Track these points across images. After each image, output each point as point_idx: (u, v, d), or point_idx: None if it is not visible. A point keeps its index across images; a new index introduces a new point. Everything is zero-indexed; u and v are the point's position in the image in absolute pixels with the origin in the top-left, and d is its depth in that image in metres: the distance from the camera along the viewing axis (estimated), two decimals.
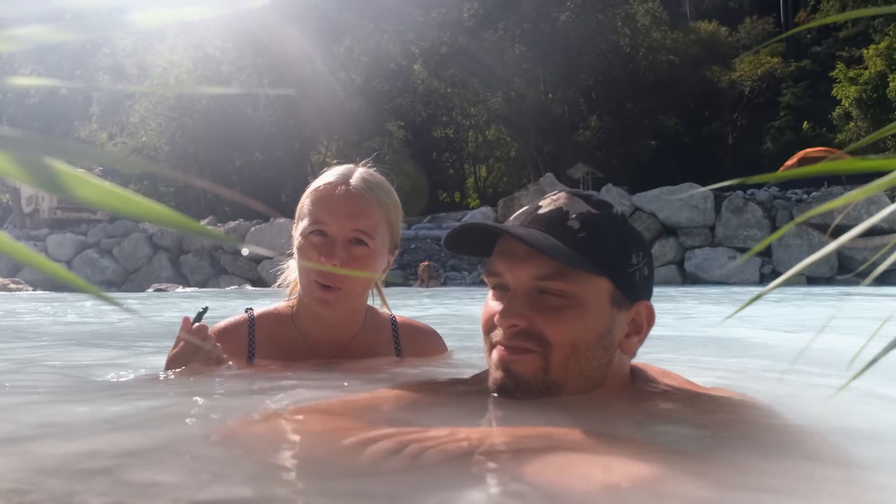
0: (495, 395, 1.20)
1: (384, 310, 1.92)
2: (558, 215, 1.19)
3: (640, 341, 1.25)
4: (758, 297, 0.64)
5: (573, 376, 1.17)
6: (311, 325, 1.76)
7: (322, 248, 1.64)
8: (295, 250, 1.72)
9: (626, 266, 1.20)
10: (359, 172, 1.75)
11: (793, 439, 1.07)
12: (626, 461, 0.83)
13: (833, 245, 0.60)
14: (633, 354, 1.26)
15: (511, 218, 1.26)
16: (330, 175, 1.72)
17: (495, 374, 1.20)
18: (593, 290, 1.17)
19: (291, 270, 1.87)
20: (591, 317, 1.17)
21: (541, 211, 1.21)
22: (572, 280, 1.16)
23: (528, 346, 1.16)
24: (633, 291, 1.21)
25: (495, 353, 1.20)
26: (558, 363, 1.16)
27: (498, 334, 1.19)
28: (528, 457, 0.86)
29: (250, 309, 1.81)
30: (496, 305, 1.21)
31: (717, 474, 0.84)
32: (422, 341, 1.92)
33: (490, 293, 1.25)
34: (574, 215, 1.19)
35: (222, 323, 1.78)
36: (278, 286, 1.92)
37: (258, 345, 1.74)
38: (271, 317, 1.79)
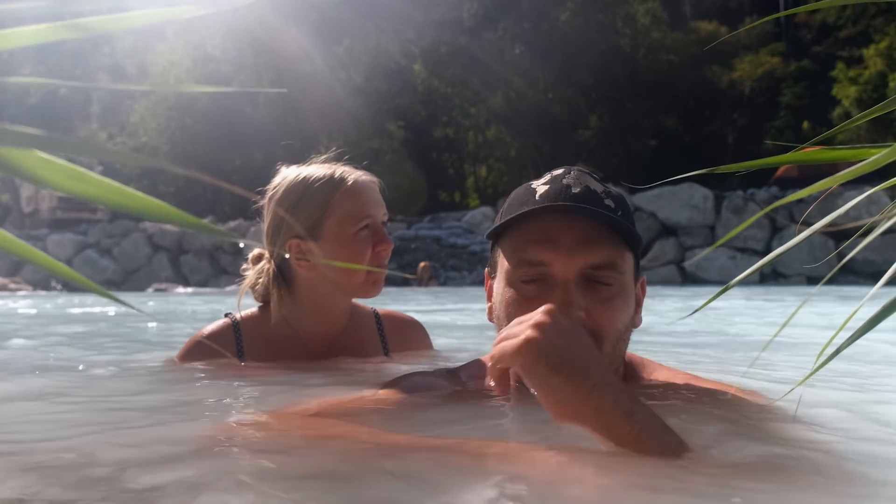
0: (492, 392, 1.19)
1: (363, 304, 1.95)
2: (592, 194, 1.14)
3: (641, 313, 1.26)
4: (722, 291, 0.64)
5: (615, 361, 1.17)
6: (310, 322, 1.77)
7: (375, 238, 1.72)
8: (338, 250, 1.69)
9: (640, 242, 1.20)
10: (338, 164, 1.79)
11: (788, 435, 1.07)
12: (619, 461, 0.83)
13: (791, 242, 0.60)
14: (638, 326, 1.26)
15: (537, 197, 1.16)
16: (339, 173, 1.74)
17: None
18: (629, 272, 1.17)
19: (271, 279, 1.82)
20: (630, 300, 1.17)
21: (574, 191, 1.15)
22: (620, 268, 1.14)
23: None
24: (639, 267, 1.23)
25: None
26: (607, 353, 1.13)
27: None
28: (523, 457, 0.86)
29: (229, 314, 1.81)
30: (536, 300, 1.11)
31: (711, 473, 0.84)
32: (406, 331, 1.97)
33: (514, 288, 1.16)
34: (602, 193, 1.16)
35: (206, 329, 1.79)
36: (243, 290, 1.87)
37: (246, 346, 1.75)
38: (256, 319, 1.80)
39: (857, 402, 1.42)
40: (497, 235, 1.22)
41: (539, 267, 1.13)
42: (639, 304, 1.25)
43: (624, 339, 1.17)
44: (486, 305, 1.28)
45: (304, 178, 1.73)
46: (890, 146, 0.59)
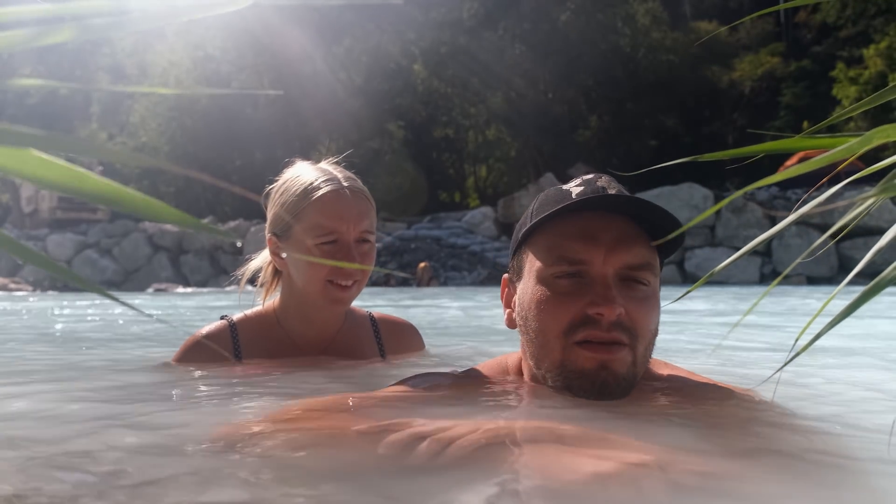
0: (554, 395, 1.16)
1: (358, 307, 1.95)
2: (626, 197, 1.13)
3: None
4: (707, 277, 0.64)
5: (644, 364, 1.16)
6: (300, 324, 1.78)
7: (338, 255, 1.67)
8: (299, 256, 1.69)
9: (675, 249, 1.21)
10: (339, 171, 1.76)
11: (789, 433, 1.08)
12: (619, 454, 0.83)
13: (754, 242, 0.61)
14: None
15: (573, 196, 1.15)
16: (320, 181, 1.70)
17: (584, 378, 1.10)
18: (659, 276, 1.18)
19: (268, 269, 1.86)
20: (659, 304, 1.17)
21: (610, 192, 1.14)
22: (655, 270, 1.14)
23: (622, 338, 1.10)
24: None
25: (586, 351, 1.10)
26: (641, 354, 1.13)
27: (588, 329, 1.09)
28: (528, 453, 0.86)
29: (226, 315, 1.82)
30: (572, 296, 1.11)
31: (708, 468, 0.84)
32: (401, 335, 1.98)
33: (547, 285, 1.14)
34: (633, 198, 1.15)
35: (203, 330, 1.80)
36: (245, 285, 1.89)
37: (243, 347, 1.76)
38: (252, 320, 1.80)
39: (848, 395, 1.42)
40: (526, 236, 1.20)
41: (578, 265, 1.11)
42: None
43: (653, 342, 1.17)
44: (500, 311, 1.27)
45: (293, 179, 1.74)
46: (863, 135, 0.59)
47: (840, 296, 0.69)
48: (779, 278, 0.65)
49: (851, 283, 0.70)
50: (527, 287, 1.18)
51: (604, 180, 1.18)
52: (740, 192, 0.60)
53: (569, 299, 1.11)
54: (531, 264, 1.17)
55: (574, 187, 1.18)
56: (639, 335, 1.11)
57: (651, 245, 1.13)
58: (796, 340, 0.68)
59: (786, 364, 0.69)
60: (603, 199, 1.12)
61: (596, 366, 1.09)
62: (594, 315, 1.08)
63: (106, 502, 0.77)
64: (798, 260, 0.70)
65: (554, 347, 1.13)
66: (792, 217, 0.64)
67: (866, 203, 0.61)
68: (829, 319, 0.65)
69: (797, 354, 0.66)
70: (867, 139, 0.58)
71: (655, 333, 1.17)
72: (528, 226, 1.17)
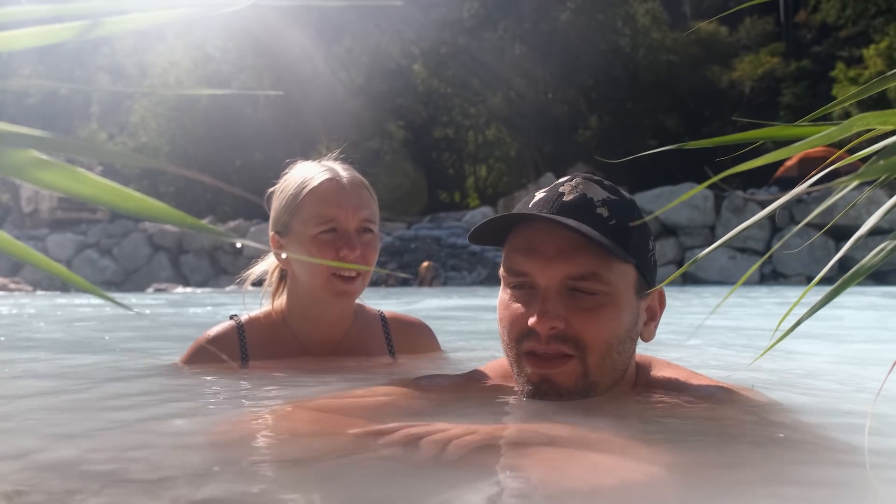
0: (514, 396, 1.19)
1: (370, 306, 1.93)
2: (585, 202, 1.13)
3: (656, 327, 1.25)
4: (690, 264, 0.64)
5: (607, 373, 1.16)
6: (307, 325, 1.77)
7: (339, 243, 1.66)
8: (301, 250, 1.68)
9: (646, 252, 1.18)
10: (338, 165, 1.76)
11: (795, 433, 1.07)
12: (618, 461, 0.83)
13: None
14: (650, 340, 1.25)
15: (531, 204, 1.17)
16: (317, 173, 1.71)
17: (533, 386, 1.14)
18: (624, 283, 1.15)
19: (273, 273, 1.84)
20: (623, 312, 1.15)
21: (566, 199, 1.14)
22: (605, 279, 1.12)
23: (565, 349, 1.11)
24: (651, 277, 1.20)
25: (530, 365, 1.14)
26: (595, 364, 1.13)
27: (531, 340, 1.12)
28: (523, 455, 0.86)
29: (235, 315, 1.81)
30: (521, 307, 1.14)
31: (712, 474, 0.84)
32: (412, 335, 1.94)
33: (507, 293, 1.18)
34: (599, 201, 1.14)
35: (211, 331, 1.79)
36: (251, 285, 1.88)
37: (250, 349, 1.75)
38: (260, 321, 1.79)
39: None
40: (501, 241, 1.22)
41: (522, 276, 1.14)
42: (652, 317, 1.23)
43: (618, 350, 1.16)
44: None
45: (291, 176, 1.74)
46: (840, 123, 0.59)
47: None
48: (751, 270, 0.66)
49: (855, 283, 0.70)
50: (500, 292, 1.22)
51: (569, 184, 1.17)
52: (719, 177, 0.60)
53: (518, 310, 1.14)
54: (502, 270, 1.21)
55: (540, 192, 1.19)
56: (587, 346, 1.11)
57: (598, 252, 1.12)
58: (775, 329, 0.69)
59: (765, 352, 0.70)
60: (533, 216, 1.14)
61: (538, 379, 1.13)
62: (532, 327, 1.11)
63: (108, 500, 0.77)
64: (765, 251, 0.70)
65: (511, 353, 1.17)
66: (768, 210, 0.65)
67: (849, 187, 0.61)
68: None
69: (777, 342, 0.67)
70: (847, 126, 0.58)
71: (620, 341, 1.15)
72: (475, 226, 1.20)
